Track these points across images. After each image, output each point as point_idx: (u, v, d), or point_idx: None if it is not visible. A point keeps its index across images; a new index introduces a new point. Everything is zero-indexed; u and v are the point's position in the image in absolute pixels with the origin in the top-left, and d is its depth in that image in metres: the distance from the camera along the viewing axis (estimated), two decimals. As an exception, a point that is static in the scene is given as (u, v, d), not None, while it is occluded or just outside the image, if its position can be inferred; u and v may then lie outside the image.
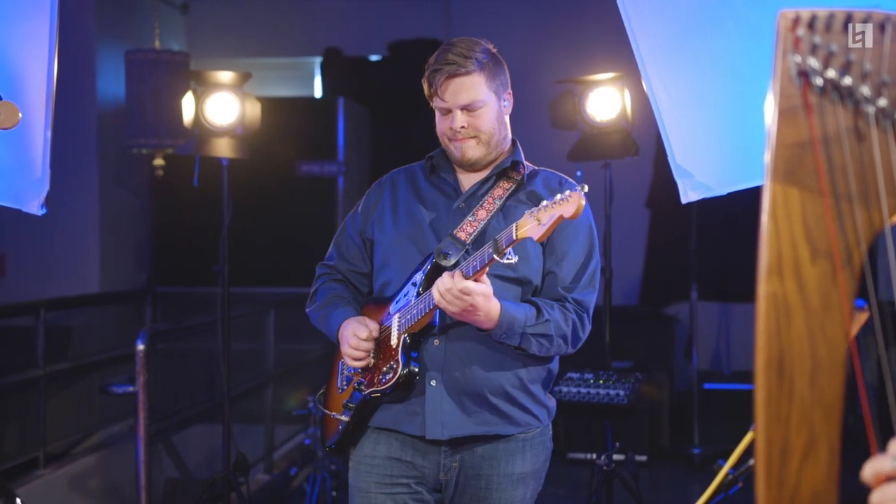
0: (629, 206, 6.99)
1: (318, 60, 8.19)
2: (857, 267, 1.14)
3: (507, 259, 2.26)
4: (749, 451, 1.45)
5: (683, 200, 2.95)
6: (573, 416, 3.34)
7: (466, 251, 2.47)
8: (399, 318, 2.51)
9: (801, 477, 1.13)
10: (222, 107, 4.09)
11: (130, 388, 3.96)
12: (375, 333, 2.53)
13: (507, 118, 2.62)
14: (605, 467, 3.73)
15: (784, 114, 1.16)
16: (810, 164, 1.15)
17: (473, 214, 2.53)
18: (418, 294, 2.47)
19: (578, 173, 4.25)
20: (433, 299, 2.36)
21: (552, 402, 2.67)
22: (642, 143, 4.45)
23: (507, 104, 2.61)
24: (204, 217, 5.61)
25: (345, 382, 2.64)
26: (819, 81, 1.14)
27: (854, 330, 1.36)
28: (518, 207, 2.52)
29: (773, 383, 1.14)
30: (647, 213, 7.59)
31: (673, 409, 6.62)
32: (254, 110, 4.15)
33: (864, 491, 1.12)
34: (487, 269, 2.31)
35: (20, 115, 2.45)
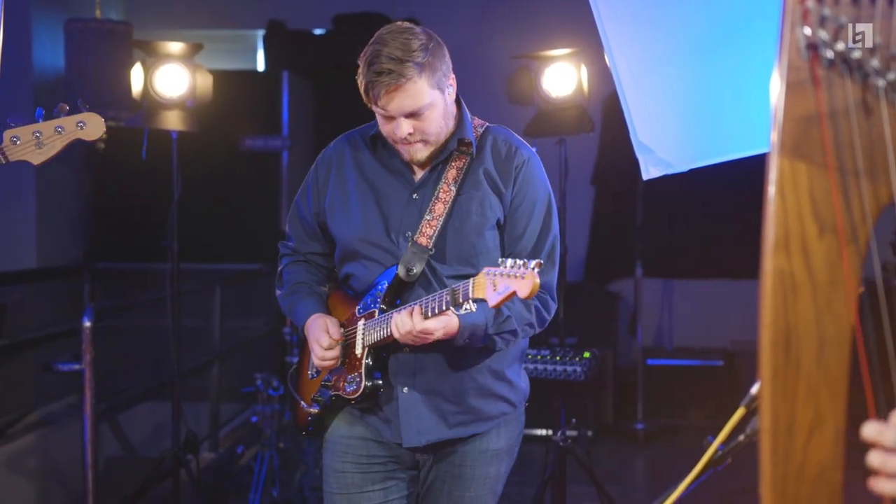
0: (574, 182, 7.01)
1: (261, 33, 8.05)
2: (863, 243, 1.14)
3: (465, 310, 2.23)
4: (738, 428, 1.44)
5: (645, 177, 2.94)
6: (533, 392, 3.30)
7: (429, 259, 2.42)
8: (364, 327, 2.46)
9: (808, 453, 1.13)
10: (172, 79, 3.99)
11: (76, 366, 3.86)
12: (338, 338, 2.47)
13: (452, 103, 2.47)
14: (560, 443, 3.74)
15: (792, 87, 1.15)
16: (818, 139, 1.13)
17: (431, 211, 2.43)
18: (381, 310, 2.42)
19: (534, 149, 4.23)
20: (393, 331, 2.32)
21: (525, 382, 2.65)
22: (594, 120, 4.45)
23: (452, 90, 2.45)
24: (147, 192, 5.49)
25: (315, 371, 2.60)
26: (829, 54, 1.12)
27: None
28: (474, 197, 2.44)
29: (780, 359, 1.13)
30: (593, 190, 7.63)
31: (617, 385, 6.69)
32: (205, 82, 4.05)
33: None
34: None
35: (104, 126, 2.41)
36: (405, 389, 2.45)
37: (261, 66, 8.12)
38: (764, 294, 1.15)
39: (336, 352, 2.48)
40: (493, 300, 2.14)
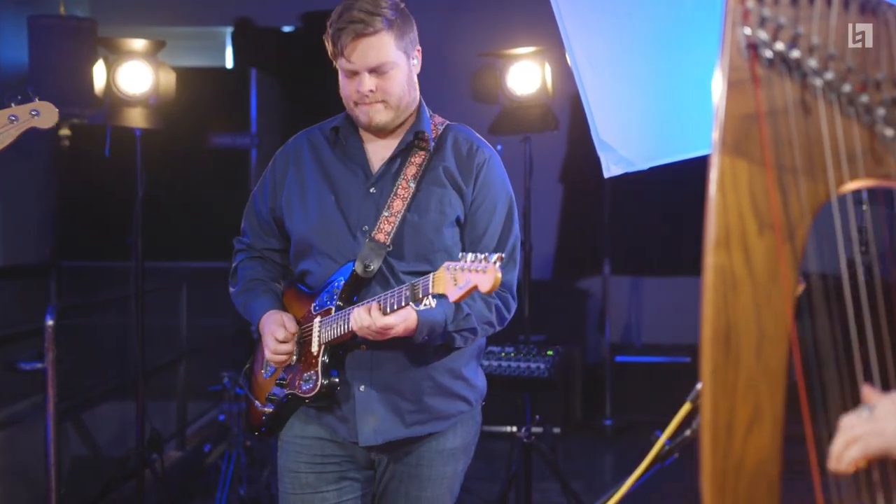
0: (543, 180, 7.03)
1: (229, 30, 8.01)
2: (801, 240, 1.16)
3: (425, 305, 2.22)
4: (685, 422, 1.46)
5: (606, 175, 2.96)
6: (491, 389, 3.31)
7: (386, 255, 2.41)
8: (320, 324, 2.44)
9: (747, 446, 1.15)
10: (135, 76, 3.96)
11: (39, 365, 3.83)
12: (293, 332, 2.46)
13: (416, 78, 2.48)
14: (525, 440, 3.75)
15: (733, 86, 1.16)
16: (757, 137, 1.15)
17: (389, 207, 2.42)
18: (338, 307, 2.40)
19: (499, 147, 4.24)
20: (351, 326, 2.31)
21: (482, 380, 2.64)
22: (560, 118, 4.47)
23: (417, 62, 2.47)
24: (112, 189, 5.45)
25: (269, 370, 2.58)
26: (768, 54, 1.14)
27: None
28: (433, 194, 2.44)
29: (720, 355, 1.15)
30: (561, 188, 7.65)
31: (585, 382, 6.72)
32: (168, 79, 4.03)
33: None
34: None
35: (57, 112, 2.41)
36: (361, 388, 2.44)
37: (229, 63, 8.08)
38: (705, 290, 1.16)
39: (289, 346, 2.46)
40: (453, 295, 2.13)
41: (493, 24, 6.49)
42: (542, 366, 3.79)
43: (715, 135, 1.16)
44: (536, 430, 4.05)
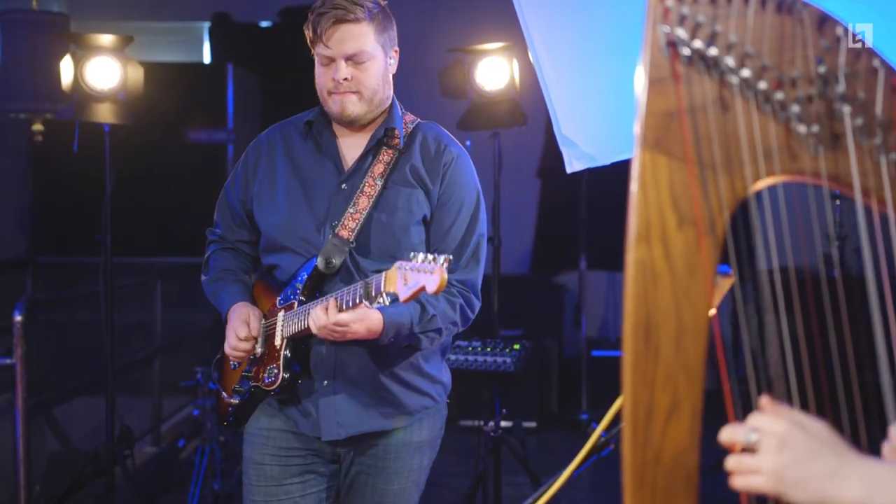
0: (520, 175, 7.06)
1: (206, 25, 8.00)
2: (720, 234, 1.18)
3: (379, 303, 2.23)
4: (620, 415, 1.48)
5: (568, 170, 2.97)
6: (464, 383, 3.34)
7: (352, 252, 2.43)
8: (283, 318, 2.46)
9: (665, 437, 1.17)
10: (103, 71, 3.96)
11: (8, 361, 3.84)
12: (255, 333, 2.48)
13: (391, 76, 2.51)
14: (491, 433, 3.78)
15: (653, 83, 1.18)
16: (678, 133, 1.17)
17: (354, 204, 2.44)
18: (300, 301, 2.42)
19: (468, 142, 4.26)
20: (310, 326, 2.33)
21: (447, 376, 2.66)
22: (533, 113, 4.48)
23: (393, 62, 2.50)
24: (87, 185, 5.44)
25: (237, 362, 2.60)
26: (686, 52, 1.16)
27: (719, 296, 1.40)
28: (401, 193, 2.46)
29: (640, 347, 1.17)
30: (538, 183, 7.67)
31: (562, 376, 6.75)
32: (136, 75, 4.02)
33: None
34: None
35: None
36: (325, 382, 2.46)
37: (207, 58, 8.07)
38: (626, 284, 1.18)
39: (248, 345, 2.48)
40: (403, 294, 2.15)
41: (461, 19, 6.50)
42: (509, 360, 3.81)
43: (637, 131, 1.18)
44: (507, 424, 4.07)
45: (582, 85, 2.96)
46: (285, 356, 2.44)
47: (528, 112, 4.37)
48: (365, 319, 2.29)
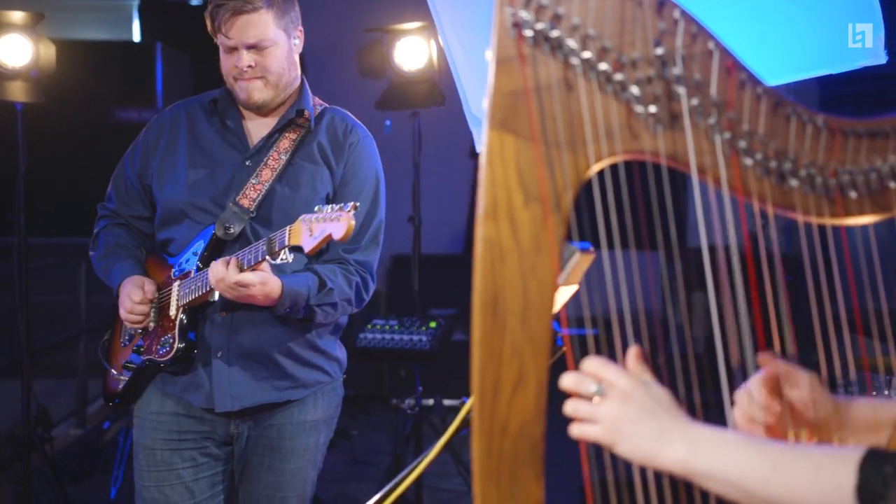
0: (450, 155, 7.06)
1: (135, 3, 7.88)
2: (565, 211, 1.21)
3: (282, 259, 2.24)
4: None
5: (478, 149, 2.99)
6: (379, 362, 3.38)
7: (250, 220, 2.43)
8: (179, 288, 2.45)
9: (511, 408, 1.20)
10: (14, 48, 3.89)
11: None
12: (151, 296, 2.47)
13: (296, 57, 2.52)
14: (409, 411, 3.81)
15: (501, 63, 1.21)
16: (524, 113, 1.20)
17: (258, 175, 2.45)
18: (198, 268, 2.42)
19: (387, 122, 4.28)
20: (210, 282, 2.33)
21: (342, 353, 2.68)
22: (454, 93, 4.49)
23: (298, 42, 2.51)
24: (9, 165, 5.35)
25: (127, 338, 2.58)
26: (530, 33, 1.19)
27: (580, 272, 1.43)
28: (305, 169, 2.48)
29: (488, 321, 1.20)
30: (472, 164, 7.69)
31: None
32: (48, 52, 3.96)
33: None
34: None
35: None
36: (219, 354, 2.46)
37: (136, 37, 7.96)
38: (475, 260, 1.21)
39: (146, 308, 2.46)
40: (308, 245, 2.16)
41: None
42: (424, 338, 3.84)
43: (485, 110, 1.21)
44: (427, 402, 4.11)
45: (488, 63, 2.98)
46: (181, 323, 2.43)
47: (449, 92, 4.39)
48: (266, 284, 2.30)
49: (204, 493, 2.51)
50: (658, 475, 1.19)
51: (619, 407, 1.16)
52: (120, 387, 2.56)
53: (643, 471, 1.21)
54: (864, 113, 1.19)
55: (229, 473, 2.57)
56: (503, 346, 1.20)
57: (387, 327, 3.90)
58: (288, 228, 2.21)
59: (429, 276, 4.57)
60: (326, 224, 2.13)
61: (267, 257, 2.25)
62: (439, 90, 4.33)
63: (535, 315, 1.20)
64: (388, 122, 4.35)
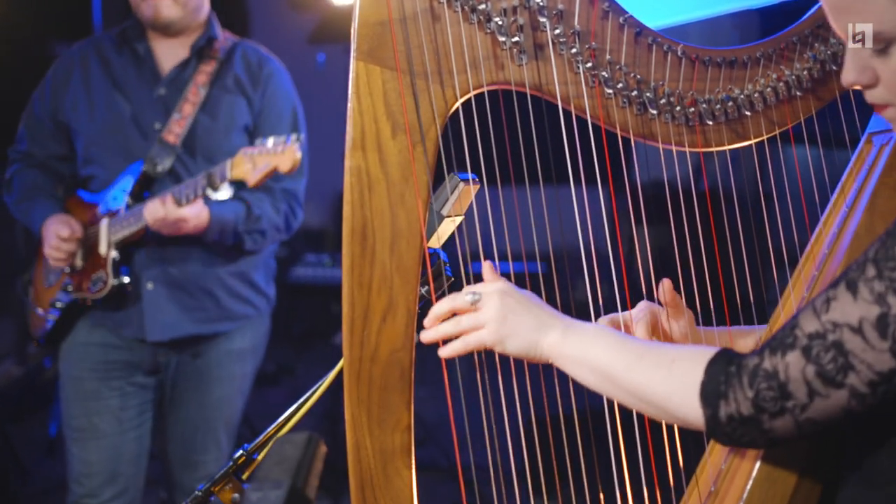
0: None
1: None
2: (434, 141, 1.22)
3: (222, 192, 2.25)
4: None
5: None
6: (313, 298, 3.37)
7: (177, 156, 2.43)
8: (108, 225, 2.45)
9: (381, 336, 1.22)
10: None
11: None
12: (79, 234, 2.46)
13: None
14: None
15: (367, -7, 1.21)
16: (390, 43, 1.20)
17: (179, 111, 2.45)
18: (128, 205, 2.41)
19: (320, 57, 4.22)
20: (145, 220, 2.33)
21: (272, 290, 2.70)
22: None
23: None
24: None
25: (52, 278, 2.57)
26: (394, -38, 1.18)
27: (465, 202, 1.44)
28: (223, 99, 2.48)
29: (357, 251, 1.21)
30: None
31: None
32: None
33: None
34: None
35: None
36: (150, 285, 2.47)
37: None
38: (344, 191, 1.22)
39: (72, 246, 2.46)
40: (252, 178, 2.19)
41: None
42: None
43: (352, 41, 1.21)
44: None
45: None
46: (114, 260, 2.44)
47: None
48: (200, 216, 2.33)
49: (132, 422, 2.53)
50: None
51: (499, 304, 1.19)
52: (49, 325, 2.56)
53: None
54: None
55: (157, 403, 2.60)
56: (372, 275, 1.22)
57: (318, 263, 3.91)
58: (229, 161, 2.22)
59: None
60: (271, 157, 2.16)
61: (208, 191, 2.26)
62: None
63: (403, 244, 1.22)
64: (320, 57, 4.29)
